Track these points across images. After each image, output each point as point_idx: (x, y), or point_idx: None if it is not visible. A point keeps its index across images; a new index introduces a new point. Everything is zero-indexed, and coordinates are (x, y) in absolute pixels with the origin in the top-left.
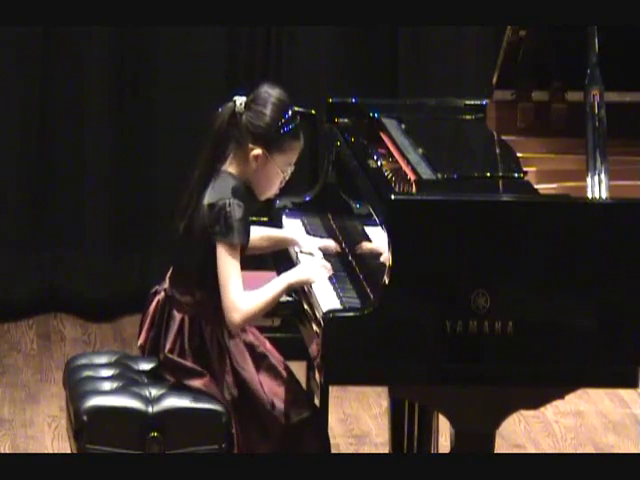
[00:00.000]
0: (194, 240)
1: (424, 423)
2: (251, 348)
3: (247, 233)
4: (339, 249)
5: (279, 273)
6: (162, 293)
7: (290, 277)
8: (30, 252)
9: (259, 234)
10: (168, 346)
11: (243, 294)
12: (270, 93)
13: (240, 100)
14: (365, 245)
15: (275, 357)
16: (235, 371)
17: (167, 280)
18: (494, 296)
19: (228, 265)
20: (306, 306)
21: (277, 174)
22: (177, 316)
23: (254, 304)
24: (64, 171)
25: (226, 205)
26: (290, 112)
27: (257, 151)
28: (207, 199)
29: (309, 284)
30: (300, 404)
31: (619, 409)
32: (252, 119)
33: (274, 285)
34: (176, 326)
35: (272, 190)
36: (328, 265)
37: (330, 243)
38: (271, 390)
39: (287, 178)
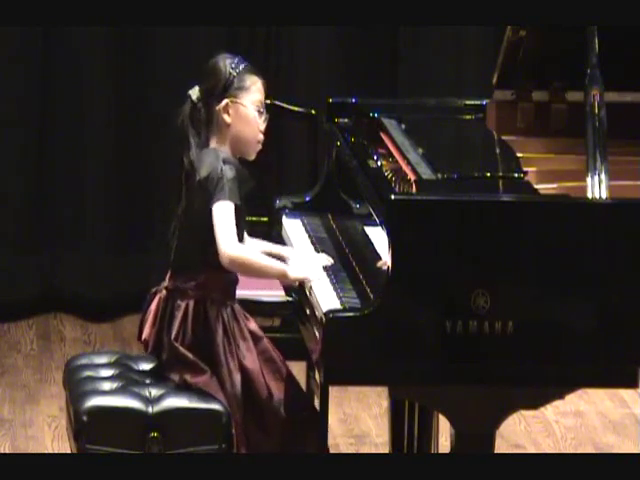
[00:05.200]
0: (193, 220)
1: (424, 423)
2: (254, 336)
3: (239, 193)
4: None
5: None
6: (163, 291)
7: (290, 270)
8: (30, 252)
9: (259, 248)
10: (173, 333)
11: (236, 238)
12: (213, 59)
13: (192, 90)
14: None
15: (277, 355)
16: (239, 358)
17: (167, 279)
18: (494, 296)
19: (221, 219)
20: (306, 306)
21: (253, 115)
22: (182, 304)
23: (248, 252)
24: (64, 171)
25: (218, 171)
26: (237, 57)
27: (224, 102)
28: (200, 175)
29: (305, 282)
30: (300, 403)
31: (619, 409)
32: (209, 84)
33: (274, 263)
34: (181, 313)
35: (257, 137)
36: (325, 260)
37: (325, 258)
38: (272, 383)
39: (265, 124)
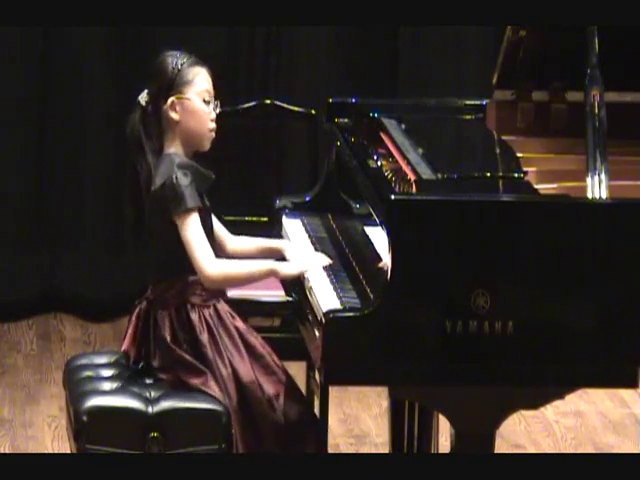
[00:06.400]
0: (158, 231)
1: (424, 423)
2: (241, 334)
3: (199, 196)
4: (331, 262)
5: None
6: (144, 302)
7: (278, 266)
8: (30, 252)
9: (248, 244)
10: (168, 337)
11: (212, 253)
12: (157, 59)
13: (141, 96)
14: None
15: (267, 353)
16: (227, 357)
17: (149, 290)
18: (494, 296)
19: (189, 232)
20: (306, 306)
21: (199, 107)
22: (164, 313)
23: (228, 266)
24: (64, 171)
25: (172, 179)
26: (179, 52)
27: (170, 100)
28: (155, 184)
29: (300, 276)
30: (296, 403)
31: (619, 409)
32: (155, 86)
33: (258, 264)
34: (167, 321)
35: (207, 127)
36: (323, 259)
37: (323, 257)
38: (263, 378)
39: (216, 111)
